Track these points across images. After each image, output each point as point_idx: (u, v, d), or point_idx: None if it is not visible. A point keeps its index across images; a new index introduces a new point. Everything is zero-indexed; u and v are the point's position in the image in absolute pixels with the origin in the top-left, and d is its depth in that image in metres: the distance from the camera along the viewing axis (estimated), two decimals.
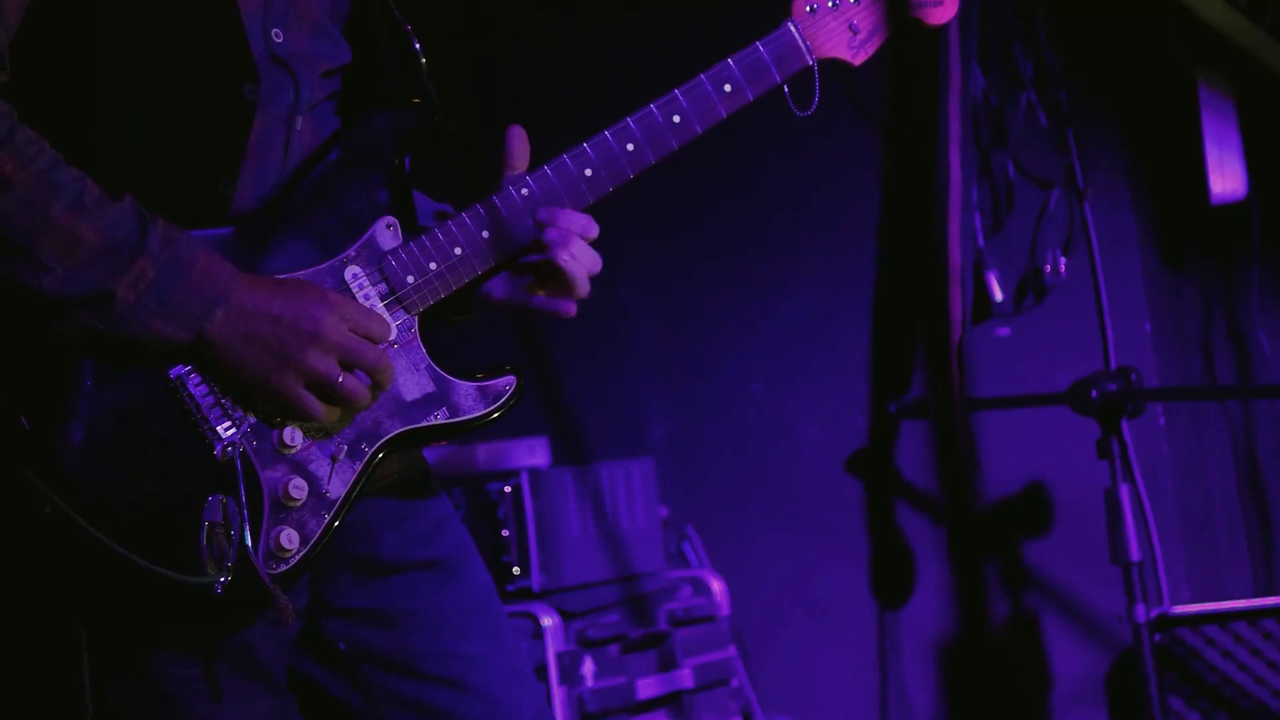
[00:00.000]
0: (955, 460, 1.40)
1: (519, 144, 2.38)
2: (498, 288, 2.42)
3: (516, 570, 4.05)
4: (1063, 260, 4.45)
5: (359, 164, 2.29)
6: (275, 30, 2.28)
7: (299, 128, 2.31)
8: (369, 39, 2.41)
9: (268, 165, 2.27)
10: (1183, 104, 4.39)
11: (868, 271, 4.63)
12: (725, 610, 4.43)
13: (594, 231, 2.34)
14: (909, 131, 0.74)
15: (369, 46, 2.42)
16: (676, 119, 2.40)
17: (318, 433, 2.21)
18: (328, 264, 2.25)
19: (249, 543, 2.14)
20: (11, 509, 2.12)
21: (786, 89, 2.46)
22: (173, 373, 2.15)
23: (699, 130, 2.41)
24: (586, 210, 2.36)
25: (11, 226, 2.05)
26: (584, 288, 2.35)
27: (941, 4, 2.51)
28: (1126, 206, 4.45)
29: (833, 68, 2.51)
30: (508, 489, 4.08)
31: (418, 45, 2.37)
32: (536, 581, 4.05)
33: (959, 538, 1.37)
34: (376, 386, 2.21)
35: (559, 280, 2.33)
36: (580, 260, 2.32)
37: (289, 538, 2.17)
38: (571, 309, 2.39)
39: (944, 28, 4.44)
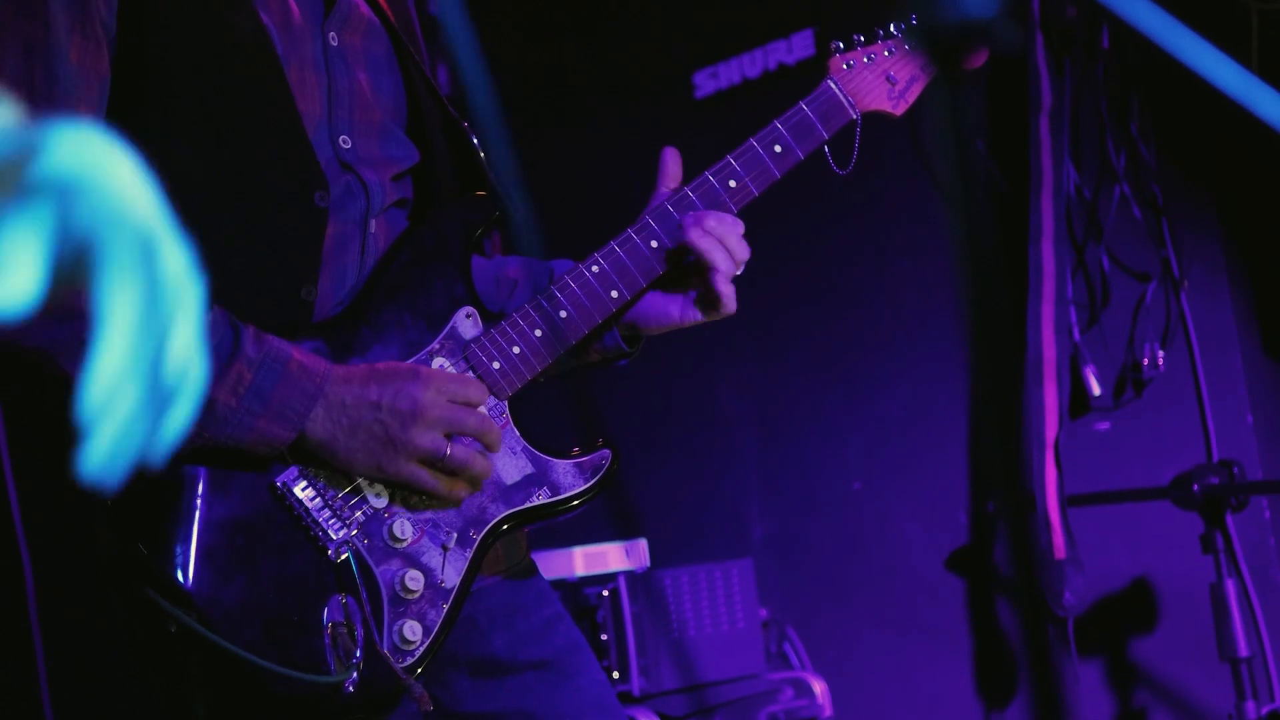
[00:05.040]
0: (1032, 558, 1.40)
1: (673, 164, 2.47)
2: (645, 312, 2.47)
3: (616, 675, 4.05)
4: (1161, 353, 4.41)
5: (432, 260, 2.35)
6: (343, 137, 2.33)
7: (373, 230, 2.35)
8: (430, 138, 2.46)
9: (345, 269, 2.32)
10: (1278, 193, 4.36)
11: (964, 367, 4.62)
12: (828, 712, 4.40)
13: (738, 229, 2.41)
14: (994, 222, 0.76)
15: (431, 145, 2.46)
16: (733, 184, 2.45)
17: (427, 524, 2.24)
18: (414, 359, 2.30)
19: (376, 637, 2.17)
20: (136, 631, 2.15)
21: (827, 149, 2.51)
22: (278, 480, 2.19)
23: (755, 193, 2.46)
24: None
25: None
26: (726, 267, 2.39)
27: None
28: (1225, 297, 4.41)
29: (880, 126, 2.55)
30: (606, 592, 4.10)
31: (475, 140, 2.43)
32: (636, 686, 4.05)
33: (1039, 638, 1.37)
34: (486, 449, 2.24)
35: (700, 275, 2.39)
36: (715, 236, 2.37)
37: (412, 629, 2.20)
38: (723, 300, 2.42)
39: (1033, 123, 4.47)
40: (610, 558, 4.23)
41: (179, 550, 2.14)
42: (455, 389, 2.23)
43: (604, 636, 4.07)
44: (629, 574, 4.14)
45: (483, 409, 2.27)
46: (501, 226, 2.40)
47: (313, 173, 2.28)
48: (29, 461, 2.18)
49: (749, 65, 5.10)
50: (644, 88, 5.32)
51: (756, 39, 5.09)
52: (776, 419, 4.96)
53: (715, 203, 2.44)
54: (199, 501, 2.16)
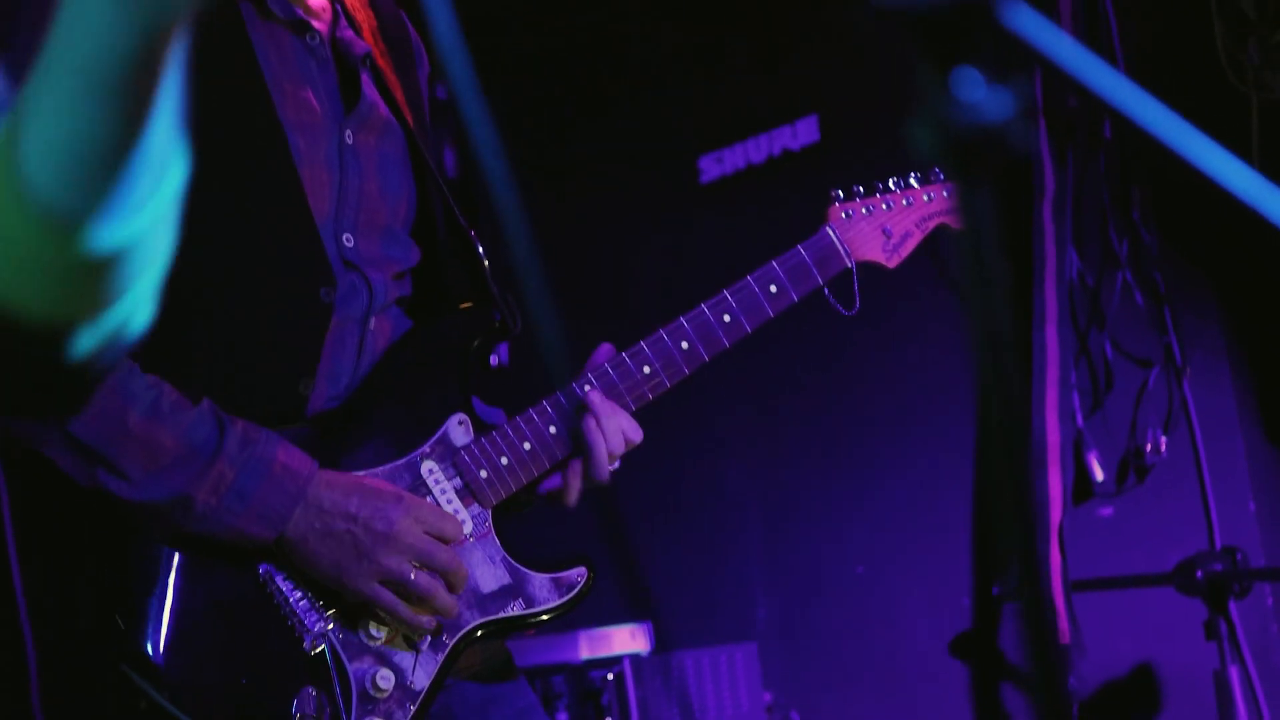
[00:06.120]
0: (1045, 648, 1.42)
1: (602, 357, 2.47)
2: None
3: None
4: (1163, 439, 4.43)
5: (429, 363, 2.38)
6: (346, 235, 2.36)
7: (372, 328, 2.38)
8: (435, 240, 2.50)
9: (342, 365, 2.34)
10: (1279, 281, 4.39)
11: (968, 453, 4.63)
12: None
13: (638, 437, 2.42)
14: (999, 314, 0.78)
15: (435, 247, 2.50)
16: (727, 318, 2.50)
17: (401, 625, 2.26)
18: (404, 460, 2.33)
19: None
20: (108, 704, 2.16)
21: (828, 291, 2.57)
22: (261, 567, 2.21)
23: (749, 329, 2.52)
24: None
25: (93, 438, 2.10)
26: (602, 467, 2.40)
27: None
28: (1226, 384, 4.43)
29: (876, 272, 2.61)
30: (610, 676, 4.09)
31: (481, 249, 2.47)
32: None
33: None
34: (450, 587, 2.27)
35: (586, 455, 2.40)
36: (606, 437, 2.39)
37: None
38: (570, 494, 2.43)
39: (1036, 210, 4.50)
40: (615, 640, 4.23)
41: (155, 626, 2.16)
42: (433, 521, 2.26)
43: None
44: (634, 657, 4.14)
45: (460, 539, 2.29)
46: (504, 336, 2.43)
47: (321, 268, 2.31)
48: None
49: (754, 150, 5.14)
50: (650, 172, 5.37)
51: (761, 124, 5.14)
52: (781, 502, 4.97)
53: (712, 335, 2.48)
54: (181, 580, 2.18)
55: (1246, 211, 1.06)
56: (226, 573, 2.20)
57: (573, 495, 2.43)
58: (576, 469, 2.42)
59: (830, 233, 2.60)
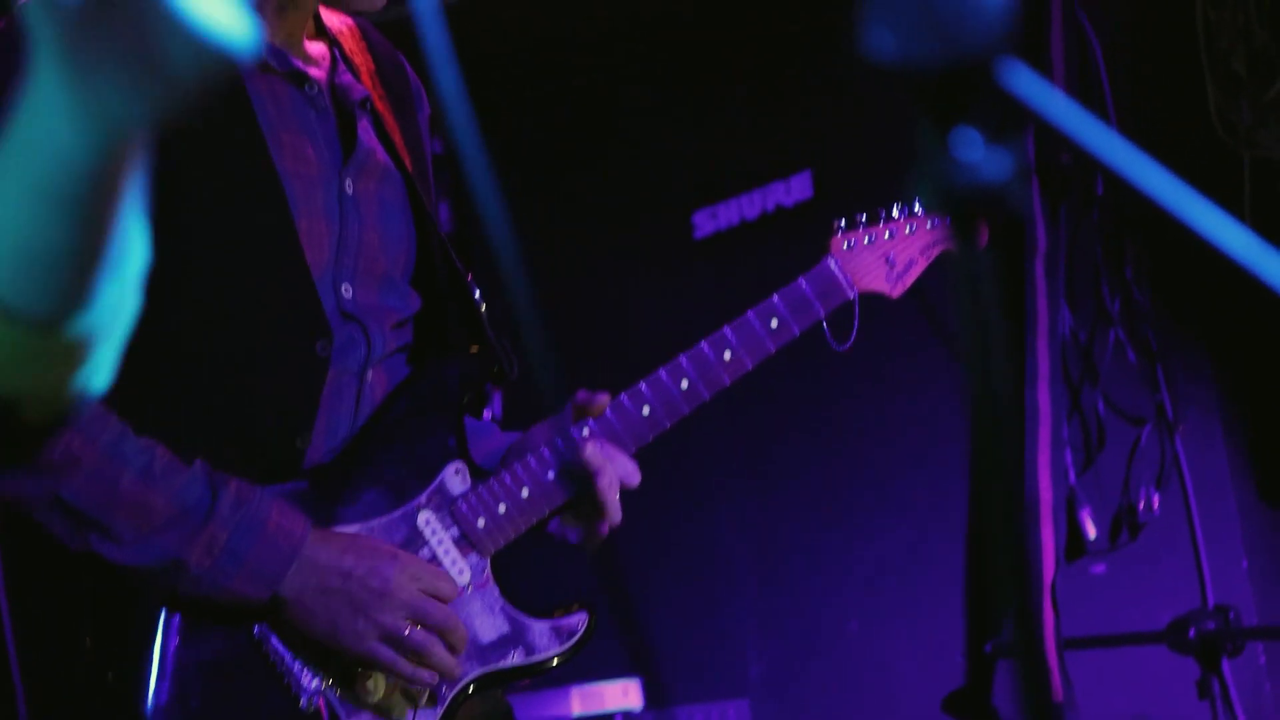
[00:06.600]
0: (1039, 706, 1.41)
1: (595, 406, 2.46)
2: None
3: None
4: (1156, 496, 4.42)
5: (426, 412, 2.36)
6: (344, 285, 2.35)
7: (370, 380, 2.37)
8: (436, 287, 2.48)
9: (339, 417, 2.33)
10: (1272, 341, 4.39)
11: (962, 508, 4.63)
12: None
13: (636, 480, 2.41)
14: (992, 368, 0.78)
15: (436, 294, 2.49)
16: (727, 355, 2.47)
17: (399, 681, 2.25)
18: (400, 511, 2.31)
19: None
20: None
21: (826, 325, 2.54)
22: (256, 628, 2.19)
23: (749, 365, 2.49)
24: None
25: (85, 502, 2.09)
26: (607, 509, 2.39)
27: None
28: (1219, 441, 4.43)
29: (873, 302, 2.59)
30: None
31: (477, 294, 2.46)
32: None
33: None
34: (449, 647, 2.25)
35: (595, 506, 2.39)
36: (607, 481, 2.38)
37: None
38: (577, 538, 2.42)
39: (1029, 266, 4.51)
40: (605, 696, 4.21)
41: (149, 687, 2.14)
42: (428, 579, 2.24)
43: None
44: (625, 713, 4.12)
45: (459, 590, 2.28)
46: (499, 383, 2.43)
47: (317, 322, 2.30)
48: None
49: (748, 206, 5.15)
50: (644, 227, 5.37)
51: (755, 180, 5.16)
52: (774, 557, 4.96)
53: (712, 373, 2.47)
54: (175, 640, 2.16)
55: (1239, 270, 1.06)
56: (221, 632, 2.18)
57: (580, 538, 2.42)
58: (579, 512, 2.40)
59: (832, 264, 2.57)
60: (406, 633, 2.20)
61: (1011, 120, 0.87)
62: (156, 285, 2.21)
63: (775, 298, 2.52)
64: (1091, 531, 4.47)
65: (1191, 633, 3.97)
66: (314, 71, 2.39)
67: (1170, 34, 4.48)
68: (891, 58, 0.81)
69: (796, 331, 2.53)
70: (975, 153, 0.83)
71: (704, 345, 2.48)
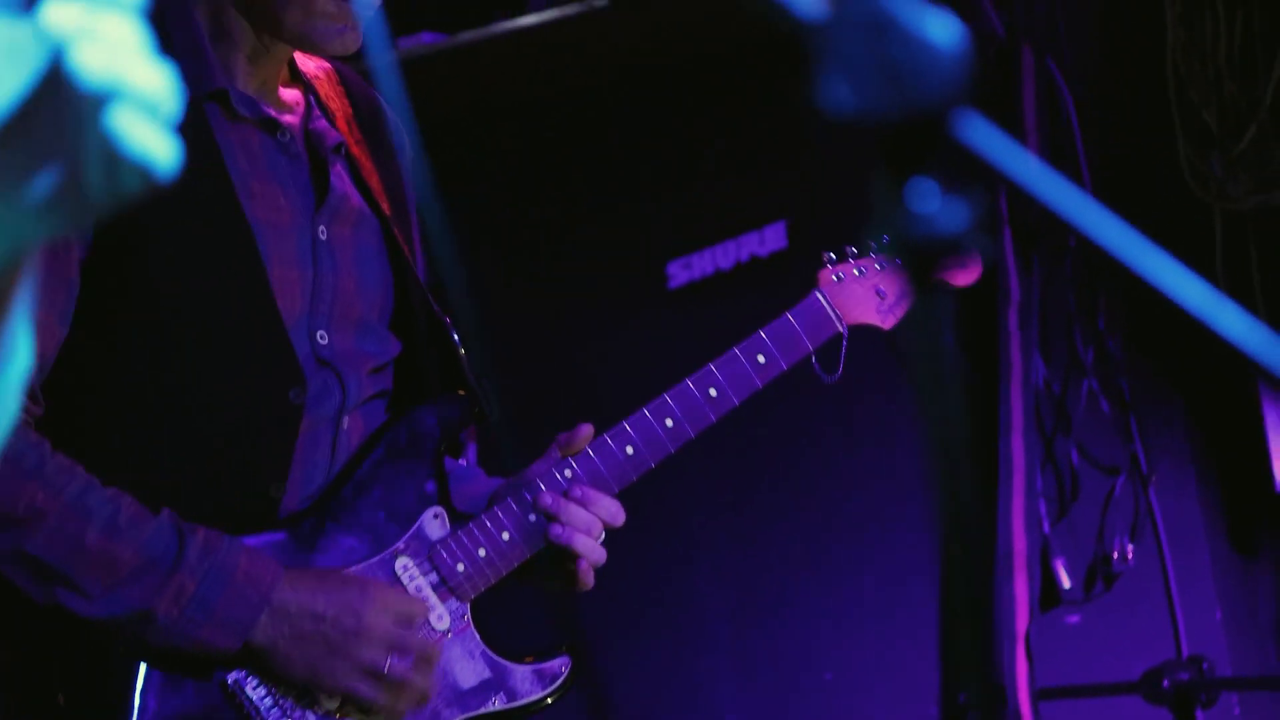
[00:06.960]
0: None
1: (577, 441, 2.43)
2: None
3: None
4: (1130, 547, 4.43)
5: (403, 457, 2.35)
6: (320, 332, 2.33)
7: (345, 427, 2.35)
8: (414, 331, 2.47)
9: (315, 465, 2.32)
10: (1245, 393, 4.41)
11: (935, 559, 4.62)
12: None
13: (619, 520, 2.37)
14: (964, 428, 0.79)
15: (414, 338, 2.47)
16: (713, 392, 2.43)
17: (379, 716, 2.23)
18: (378, 558, 2.30)
19: None
20: None
21: (814, 359, 2.51)
22: (229, 678, 2.18)
23: (736, 402, 2.45)
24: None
25: (50, 556, 2.07)
26: (589, 552, 2.36)
27: (966, 267, 2.54)
28: (1192, 493, 4.44)
29: (866, 335, 2.56)
30: None
31: (456, 337, 2.44)
32: None
33: None
34: (427, 668, 2.23)
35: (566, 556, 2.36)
36: (580, 532, 2.34)
37: None
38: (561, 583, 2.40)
39: (1002, 316, 4.53)
40: None
41: None
42: (400, 608, 2.23)
43: None
44: None
45: (435, 630, 2.26)
46: (479, 425, 2.41)
47: (290, 370, 2.28)
48: None
49: (722, 256, 5.16)
50: (617, 276, 5.38)
51: (730, 230, 5.16)
52: (750, 608, 4.95)
53: (698, 411, 2.44)
54: (150, 698, 2.14)
55: (1203, 327, 1.07)
56: (195, 686, 2.17)
57: (563, 583, 2.40)
58: (554, 556, 2.38)
59: (820, 298, 2.52)
60: (385, 667, 2.18)
61: (969, 172, 0.87)
62: (126, 338, 2.21)
63: (762, 333, 2.48)
64: (1066, 582, 4.47)
65: (1166, 683, 3.98)
66: (287, 118, 2.38)
67: (1141, 86, 4.51)
68: (847, 111, 0.82)
69: (784, 366, 2.48)
70: (931, 204, 0.84)
71: (689, 382, 2.44)
